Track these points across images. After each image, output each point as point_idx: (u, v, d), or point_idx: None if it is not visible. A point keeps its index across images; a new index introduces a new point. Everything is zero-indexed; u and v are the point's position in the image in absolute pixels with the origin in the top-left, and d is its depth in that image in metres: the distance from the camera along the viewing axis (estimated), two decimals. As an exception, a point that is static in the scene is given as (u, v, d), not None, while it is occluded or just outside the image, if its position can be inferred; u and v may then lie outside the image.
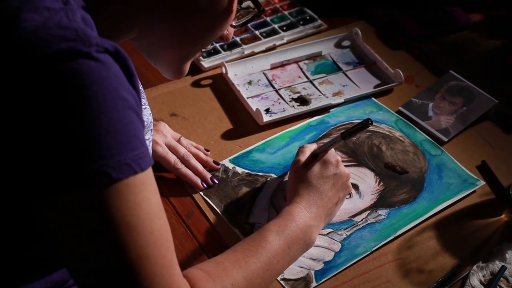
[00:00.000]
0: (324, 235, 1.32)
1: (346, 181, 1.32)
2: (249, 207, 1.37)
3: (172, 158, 1.42)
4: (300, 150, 1.36)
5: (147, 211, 0.89)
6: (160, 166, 1.44)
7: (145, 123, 1.14)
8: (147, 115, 1.18)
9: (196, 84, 1.68)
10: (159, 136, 1.43)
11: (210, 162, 1.44)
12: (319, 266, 1.26)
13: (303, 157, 1.34)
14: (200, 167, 1.43)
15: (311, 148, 1.36)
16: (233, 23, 1.13)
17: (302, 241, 1.22)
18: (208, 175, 1.42)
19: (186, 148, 1.45)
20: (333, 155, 1.32)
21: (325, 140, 1.50)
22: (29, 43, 0.84)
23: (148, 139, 1.19)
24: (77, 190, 0.84)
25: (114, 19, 1.00)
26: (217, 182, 1.42)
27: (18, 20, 0.86)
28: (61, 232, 0.88)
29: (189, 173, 1.41)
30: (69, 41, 0.84)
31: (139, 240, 0.88)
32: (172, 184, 1.43)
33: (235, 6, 1.07)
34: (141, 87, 1.26)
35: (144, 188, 0.89)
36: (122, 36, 1.05)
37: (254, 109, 1.55)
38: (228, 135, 1.54)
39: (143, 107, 1.18)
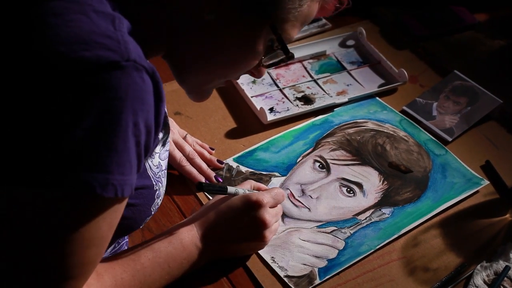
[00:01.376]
0: (328, 233, 1.32)
1: (261, 230, 1.22)
2: (253, 206, 1.37)
3: (178, 155, 1.42)
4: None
5: (92, 237, 0.91)
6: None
7: (167, 134, 1.16)
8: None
9: (200, 83, 1.67)
10: None
11: (214, 161, 1.44)
12: (322, 263, 1.26)
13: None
14: (204, 166, 1.43)
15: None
16: (263, 63, 1.13)
17: (185, 261, 1.18)
18: (212, 174, 1.42)
19: (191, 146, 1.45)
20: (265, 197, 1.22)
21: (330, 139, 1.50)
22: (71, 43, 0.85)
23: (167, 150, 1.20)
24: (60, 189, 0.85)
25: (147, 34, 0.99)
26: (221, 181, 1.42)
27: (65, 19, 0.87)
28: (15, 219, 0.88)
29: (194, 171, 1.41)
30: (109, 51, 0.85)
31: (69, 258, 0.90)
32: (176, 182, 1.43)
33: (260, 46, 1.06)
34: None
35: (107, 215, 0.91)
36: (151, 52, 1.05)
37: (258, 108, 1.55)
38: (232, 134, 1.54)
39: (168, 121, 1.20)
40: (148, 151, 0.94)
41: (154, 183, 1.13)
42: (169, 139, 1.22)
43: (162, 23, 1.02)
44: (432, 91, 1.62)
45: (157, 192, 1.14)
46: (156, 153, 1.13)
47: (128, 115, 0.86)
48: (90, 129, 0.84)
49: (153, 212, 1.17)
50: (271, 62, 1.13)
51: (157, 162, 1.14)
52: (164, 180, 1.18)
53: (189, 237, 1.19)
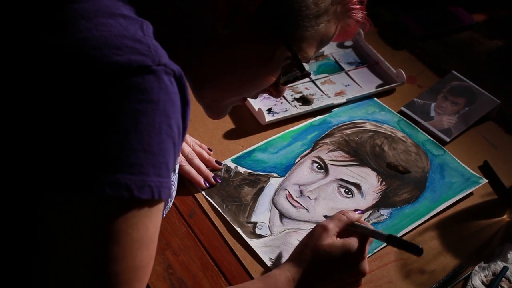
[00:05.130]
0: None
1: (357, 280, 1.20)
2: (251, 207, 1.37)
3: None
4: (338, 216, 1.21)
5: (140, 237, 0.90)
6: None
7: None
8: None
9: (199, 84, 1.68)
10: None
11: (213, 162, 1.44)
12: None
13: (335, 226, 1.19)
14: (203, 166, 1.43)
15: (351, 217, 1.21)
16: (281, 82, 1.12)
17: None
18: (211, 175, 1.42)
19: (190, 146, 1.45)
20: (363, 248, 1.18)
21: (328, 140, 1.50)
22: (103, 47, 0.86)
23: (179, 155, 1.20)
24: (98, 194, 0.85)
25: (164, 45, 1.00)
26: (219, 181, 1.42)
27: (94, 23, 0.88)
28: (55, 228, 0.88)
29: (192, 171, 1.41)
30: (140, 55, 0.86)
31: (118, 262, 0.89)
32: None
33: (275, 64, 1.06)
34: None
35: (151, 216, 0.91)
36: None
37: (256, 109, 1.55)
38: (230, 135, 1.54)
39: None
40: (179, 153, 0.96)
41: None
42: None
43: (178, 36, 1.02)
44: (430, 92, 1.62)
45: (171, 195, 1.15)
46: None
47: (162, 117, 0.87)
48: (125, 131, 0.85)
49: (164, 215, 1.17)
50: (287, 80, 1.13)
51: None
52: (175, 184, 1.20)
53: (282, 280, 1.15)
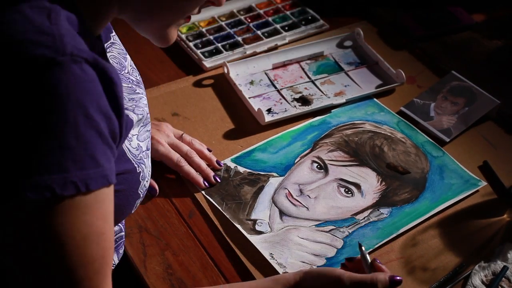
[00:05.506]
0: (326, 232, 1.32)
1: None
2: (251, 205, 1.37)
3: (175, 156, 1.42)
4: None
5: (85, 235, 0.89)
6: (163, 166, 1.44)
7: (140, 116, 1.13)
8: (142, 106, 1.18)
9: (198, 84, 1.68)
10: (161, 136, 1.43)
11: (213, 160, 1.44)
12: (321, 261, 1.27)
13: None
14: (203, 164, 1.43)
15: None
16: None
17: None
18: (211, 173, 1.42)
19: (189, 145, 1.45)
20: None
21: (328, 140, 1.50)
22: (6, 46, 0.84)
23: (148, 131, 1.19)
24: (23, 200, 0.84)
25: (95, 2, 0.99)
26: (219, 181, 1.42)
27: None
28: (5, 237, 0.89)
29: (192, 171, 1.41)
30: (45, 48, 0.84)
31: (68, 261, 0.89)
32: (174, 184, 1.43)
33: None
34: (136, 77, 1.26)
35: (89, 211, 0.89)
36: (106, 17, 1.03)
37: (256, 109, 1.55)
38: (229, 135, 1.54)
39: (138, 96, 1.18)
40: (117, 137, 0.94)
41: (136, 165, 1.12)
42: (154, 136, 1.21)
43: None
44: (430, 92, 1.62)
45: (141, 175, 1.14)
46: (133, 135, 1.12)
47: (75, 109, 0.85)
48: (37, 132, 0.83)
49: (142, 195, 1.16)
50: None
51: (136, 144, 1.13)
52: (148, 161, 1.17)
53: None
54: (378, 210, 1.36)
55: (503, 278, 1.23)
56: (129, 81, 1.21)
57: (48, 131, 0.84)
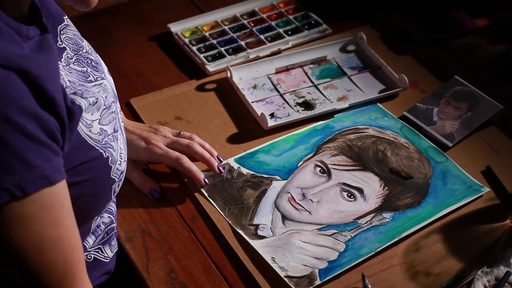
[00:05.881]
0: (329, 235, 1.32)
1: None
2: (254, 210, 1.37)
3: (174, 154, 1.41)
4: None
5: (37, 245, 0.89)
6: (165, 171, 1.45)
7: (92, 99, 1.09)
8: (93, 90, 1.13)
9: (201, 88, 1.68)
10: (159, 138, 1.44)
11: (214, 154, 1.45)
12: (323, 265, 1.27)
13: None
14: (207, 154, 1.43)
15: None
16: None
17: None
18: (215, 163, 1.42)
19: (190, 139, 1.45)
20: None
21: (331, 145, 1.50)
22: None
23: (113, 112, 1.16)
24: None
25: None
26: (223, 172, 1.43)
27: None
28: None
29: (193, 167, 1.41)
30: None
31: (27, 269, 0.89)
32: (177, 188, 1.43)
33: None
34: (96, 57, 1.23)
35: (35, 221, 0.89)
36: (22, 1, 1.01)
37: (259, 114, 1.55)
38: (233, 139, 1.54)
39: (98, 83, 1.16)
40: (58, 132, 0.93)
41: (102, 151, 1.10)
42: (111, 101, 1.17)
43: None
44: (433, 97, 1.62)
45: (110, 159, 1.12)
46: (93, 120, 1.09)
47: None
48: None
49: (117, 179, 1.15)
50: None
51: (98, 130, 1.10)
52: (116, 144, 1.15)
53: None
54: (381, 214, 1.36)
55: (506, 284, 1.23)
56: (87, 62, 1.19)
57: None
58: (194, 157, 1.43)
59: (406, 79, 1.64)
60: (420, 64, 1.75)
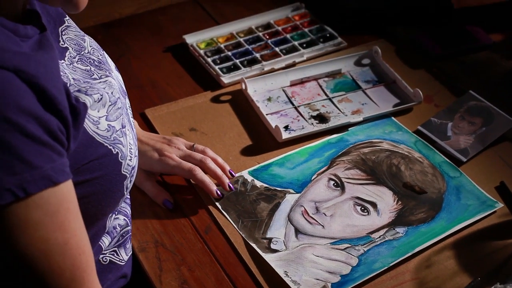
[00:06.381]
0: (341, 249, 1.32)
1: None
2: (267, 223, 1.37)
3: (187, 165, 1.42)
4: None
5: (44, 251, 0.89)
6: (179, 182, 1.45)
7: (97, 96, 1.09)
8: (98, 87, 1.12)
9: (216, 100, 1.68)
10: (172, 150, 1.44)
11: (226, 169, 1.45)
12: (335, 279, 1.27)
13: None
14: (219, 170, 1.43)
15: None
16: None
17: None
18: (226, 180, 1.43)
19: (202, 153, 1.45)
20: None
21: (345, 158, 1.51)
22: None
23: (119, 108, 1.15)
24: None
25: None
26: (233, 189, 1.43)
27: None
28: None
29: (206, 179, 1.42)
30: None
31: (35, 273, 0.89)
32: (190, 199, 1.44)
33: None
34: (98, 57, 1.23)
35: (41, 226, 0.89)
36: (14, 2, 1.00)
37: (273, 126, 1.56)
38: (247, 151, 1.54)
39: (102, 80, 1.15)
40: (62, 132, 0.93)
41: (111, 147, 1.10)
42: (117, 96, 1.17)
43: None
44: (447, 111, 1.62)
45: (120, 155, 1.12)
46: (100, 117, 1.09)
47: None
48: None
49: (128, 175, 1.15)
50: None
51: (105, 126, 1.10)
52: (125, 139, 1.14)
53: None
54: (394, 229, 1.36)
55: (519, 300, 1.23)
56: (90, 62, 1.19)
57: None
58: (207, 172, 1.43)
59: (421, 93, 1.64)
60: (434, 79, 1.75)
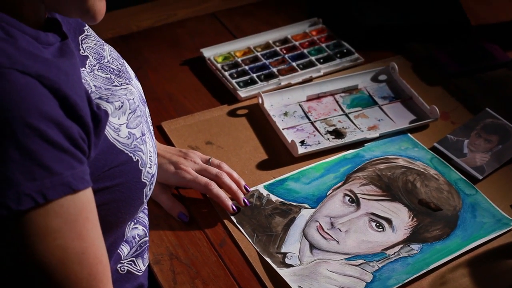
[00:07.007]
0: (356, 265, 1.32)
1: None
2: (282, 237, 1.37)
3: (203, 180, 1.42)
4: None
5: (61, 259, 0.90)
6: (194, 195, 1.46)
7: (118, 103, 1.10)
8: (119, 94, 1.13)
9: (232, 114, 1.69)
10: (188, 163, 1.44)
11: (241, 185, 1.45)
12: None
13: None
14: (234, 186, 1.43)
15: None
16: None
17: None
18: (241, 196, 1.43)
19: (218, 167, 1.46)
20: None
21: (360, 174, 1.51)
22: None
23: (139, 116, 1.16)
24: None
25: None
26: (248, 205, 1.43)
27: None
28: None
29: (222, 194, 1.42)
30: None
31: (51, 282, 0.89)
32: (205, 212, 1.44)
33: None
34: (118, 66, 1.23)
35: (60, 235, 0.89)
36: (35, 10, 1.00)
37: (289, 141, 1.56)
38: (262, 166, 1.54)
39: (123, 87, 1.15)
40: (84, 139, 0.93)
41: (131, 155, 1.10)
42: (136, 104, 1.17)
43: None
44: (464, 129, 1.62)
45: (140, 162, 1.12)
46: (121, 124, 1.10)
47: (13, 123, 0.84)
48: None
49: (148, 182, 1.15)
50: None
51: (126, 133, 1.10)
52: (145, 147, 1.14)
53: None
54: (409, 246, 1.36)
55: (534, 320, 1.23)
56: (109, 70, 1.20)
57: None
58: (222, 187, 1.43)
59: (437, 110, 1.64)
60: (451, 96, 1.75)
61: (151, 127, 1.24)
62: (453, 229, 1.40)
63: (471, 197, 1.46)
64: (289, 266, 1.32)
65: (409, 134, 1.62)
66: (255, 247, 1.36)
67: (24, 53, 0.90)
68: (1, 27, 0.92)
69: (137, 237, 1.27)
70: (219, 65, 1.81)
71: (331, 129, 1.63)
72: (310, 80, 1.79)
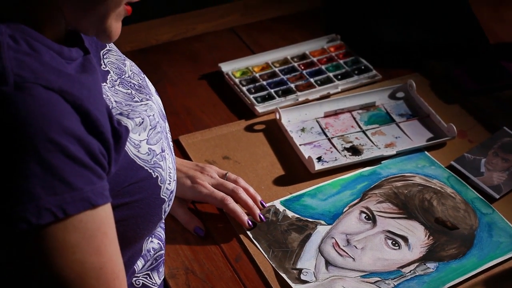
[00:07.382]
0: (372, 283, 1.32)
1: None
2: (297, 253, 1.38)
3: (219, 195, 1.42)
4: None
5: (79, 273, 0.90)
6: (210, 210, 1.46)
7: (138, 119, 1.10)
8: (140, 110, 1.13)
9: (250, 129, 1.69)
10: (205, 178, 1.45)
11: (258, 200, 1.45)
12: None
13: None
14: (250, 201, 1.44)
15: None
16: None
17: None
18: (257, 211, 1.43)
19: (234, 182, 1.46)
20: None
21: (377, 191, 1.50)
22: None
23: (159, 132, 1.16)
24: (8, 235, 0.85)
25: (36, 18, 0.98)
26: (264, 220, 1.43)
27: None
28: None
29: (238, 209, 1.42)
30: None
31: None
32: (221, 227, 1.44)
33: None
34: (138, 81, 1.23)
35: (78, 249, 0.89)
36: (57, 25, 1.00)
37: (306, 157, 1.56)
38: (279, 181, 1.55)
39: (144, 103, 1.16)
40: (104, 155, 0.94)
41: (151, 171, 1.11)
42: (156, 120, 1.17)
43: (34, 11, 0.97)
44: (481, 147, 1.62)
45: (159, 179, 1.13)
46: (141, 141, 1.10)
47: (32, 136, 0.85)
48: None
49: (167, 199, 1.15)
50: None
51: (146, 150, 1.11)
52: (165, 164, 1.15)
53: None
54: (425, 264, 1.36)
55: None
56: (130, 85, 1.20)
57: (8, 160, 0.84)
58: (238, 202, 1.44)
59: (455, 128, 1.63)
60: (469, 114, 1.75)
61: (171, 143, 1.25)
62: (469, 248, 1.39)
63: (488, 216, 1.46)
64: (305, 282, 1.32)
65: (426, 152, 1.62)
66: (271, 262, 1.36)
67: (48, 68, 0.91)
68: (26, 41, 0.92)
69: (152, 251, 1.27)
70: (237, 80, 1.82)
71: (348, 145, 1.63)
72: (327, 96, 1.79)
